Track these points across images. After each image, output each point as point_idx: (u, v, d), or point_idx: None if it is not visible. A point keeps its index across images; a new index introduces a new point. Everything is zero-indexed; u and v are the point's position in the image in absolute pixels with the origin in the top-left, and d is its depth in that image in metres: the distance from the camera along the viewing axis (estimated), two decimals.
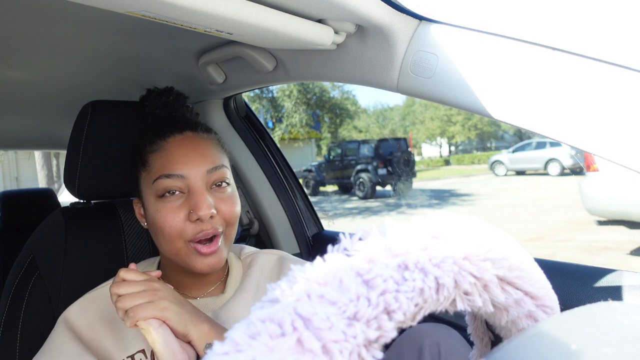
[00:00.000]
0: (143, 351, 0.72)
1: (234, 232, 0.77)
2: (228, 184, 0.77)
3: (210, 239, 0.73)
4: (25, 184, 14.27)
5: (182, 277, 0.79)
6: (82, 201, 0.98)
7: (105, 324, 0.73)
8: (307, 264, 0.26)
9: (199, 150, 0.74)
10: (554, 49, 0.59)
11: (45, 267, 0.87)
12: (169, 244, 0.72)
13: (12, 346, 0.83)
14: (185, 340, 0.64)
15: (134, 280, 0.64)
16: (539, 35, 0.61)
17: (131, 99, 1.08)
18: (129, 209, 1.00)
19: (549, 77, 0.59)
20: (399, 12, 0.71)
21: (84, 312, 0.74)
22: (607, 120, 0.55)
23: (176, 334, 0.63)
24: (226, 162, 0.78)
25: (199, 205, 0.70)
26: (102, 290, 0.78)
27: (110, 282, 0.79)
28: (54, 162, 10.54)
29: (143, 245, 0.98)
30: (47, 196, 2.29)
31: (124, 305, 0.61)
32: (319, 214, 1.48)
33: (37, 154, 10.04)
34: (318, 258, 0.26)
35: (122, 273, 0.65)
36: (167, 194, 0.72)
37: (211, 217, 0.72)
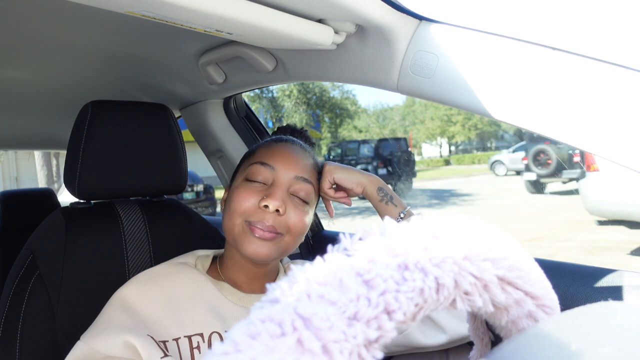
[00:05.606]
0: (202, 335, 0.72)
1: (292, 242, 0.79)
2: (307, 202, 0.80)
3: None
4: (25, 184, 14.26)
5: (238, 275, 0.83)
6: (82, 201, 0.98)
7: (163, 301, 0.75)
8: (307, 263, 0.26)
9: (297, 156, 0.81)
10: (554, 48, 0.59)
11: (45, 267, 0.87)
12: (229, 220, 0.77)
13: (12, 346, 0.82)
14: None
15: None
16: (539, 35, 0.61)
17: (131, 99, 1.08)
18: (129, 209, 1.00)
19: (549, 77, 0.59)
20: (399, 12, 0.71)
21: (140, 289, 0.76)
22: (607, 120, 0.55)
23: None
24: (315, 184, 0.83)
25: (273, 195, 0.75)
26: (157, 269, 0.80)
27: (162, 264, 0.82)
28: (54, 162, 10.54)
29: (143, 246, 0.98)
30: (47, 196, 2.29)
31: None
32: (319, 214, 1.47)
33: (37, 154, 10.04)
34: (318, 258, 0.26)
35: None
36: (253, 180, 0.78)
37: (278, 212, 0.75)
